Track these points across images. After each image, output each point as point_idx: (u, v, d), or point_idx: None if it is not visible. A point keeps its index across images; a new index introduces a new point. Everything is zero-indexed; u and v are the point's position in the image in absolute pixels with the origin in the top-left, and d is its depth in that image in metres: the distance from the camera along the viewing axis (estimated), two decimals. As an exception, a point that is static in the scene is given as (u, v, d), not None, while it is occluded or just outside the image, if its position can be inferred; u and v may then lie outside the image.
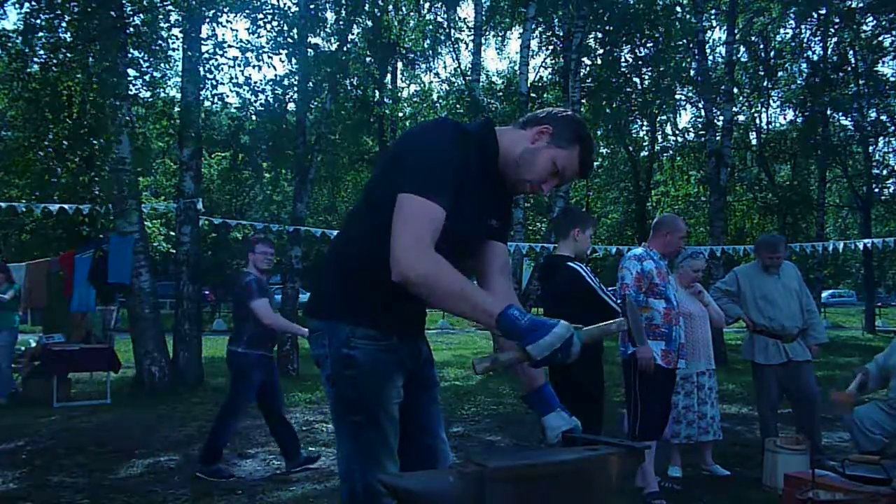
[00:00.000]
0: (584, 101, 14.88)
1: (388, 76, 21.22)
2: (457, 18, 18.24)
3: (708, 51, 16.32)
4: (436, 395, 2.13)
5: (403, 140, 1.95)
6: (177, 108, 12.78)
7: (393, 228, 1.73)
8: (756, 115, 21.82)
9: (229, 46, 9.84)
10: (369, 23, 14.42)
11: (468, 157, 1.86)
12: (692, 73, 15.77)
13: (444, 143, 1.83)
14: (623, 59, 16.58)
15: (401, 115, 20.53)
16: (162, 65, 12.79)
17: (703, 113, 16.31)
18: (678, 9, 16.03)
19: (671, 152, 22.64)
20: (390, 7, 16.97)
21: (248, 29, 10.05)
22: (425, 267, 1.69)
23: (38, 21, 9.16)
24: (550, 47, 18.57)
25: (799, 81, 19.95)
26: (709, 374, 4.97)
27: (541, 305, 4.84)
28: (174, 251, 10.66)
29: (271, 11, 10.05)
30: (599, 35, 15.62)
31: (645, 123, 21.90)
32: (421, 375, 2.06)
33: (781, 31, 19.23)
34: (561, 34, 16.31)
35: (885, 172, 22.11)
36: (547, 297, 4.25)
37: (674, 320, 4.31)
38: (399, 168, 1.82)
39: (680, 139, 22.04)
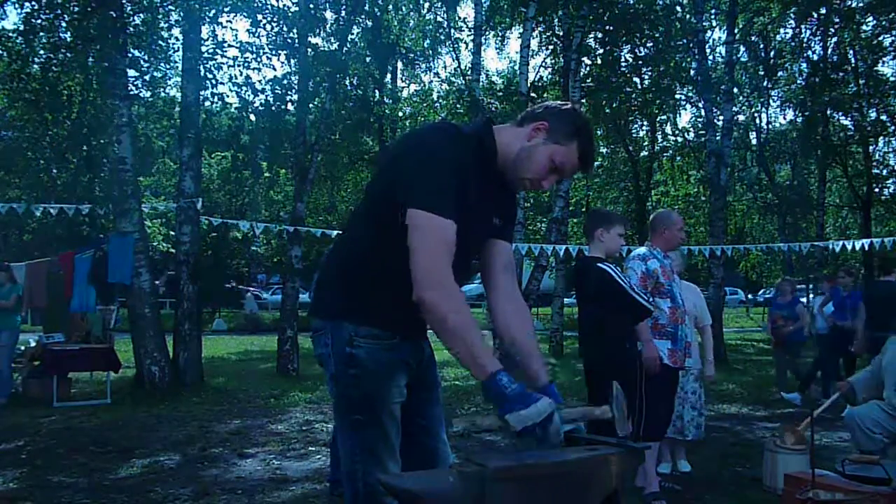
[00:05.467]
0: (584, 101, 14.87)
1: (388, 76, 21.25)
2: (457, 18, 18.23)
3: (708, 51, 16.33)
4: (438, 396, 2.14)
5: (405, 145, 1.94)
6: (177, 108, 12.80)
7: (412, 247, 1.75)
8: (756, 115, 21.84)
9: (229, 46, 9.85)
10: (369, 23, 14.43)
11: (467, 161, 1.86)
12: (692, 73, 15.77)
13: (445, 151, 1.82)
14: (623, 59, 16.57)
15: (401, 115, 20.54)
16: (162, 65, 12.82)
17: (703, 113, 16.30)
18: (678, 9, 16.04)
19: (671, 152, 22.63)
20: (390, 7, 16.99)
21: (248, 30, 10.06)
22: (443, 298, 1.73)
23: (38, 21, 9.16)
24: (550, 47, 18.55)
25: (799, 81, 19.94)
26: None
27: (576, 307, 4.82)
28: (174, 251, 10.65)
29: (271, 11, 10.04)
30: (599, 35, 15.61)
31: (645, 123, 21.88)
32: (423, 376, 2.06)
33: (781, 31, 19.24)
34: (561, 34, 16.30)
35: (885, 172, 22.09)
36: (580, 298, 4.27)
37: (679, 319, 4.30)
38: (402, 176, 1.82)
39: (680, 139, 22.05)
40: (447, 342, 1.75)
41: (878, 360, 4.67)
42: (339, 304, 1.95)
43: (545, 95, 17.31)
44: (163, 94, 16.38)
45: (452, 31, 17.68)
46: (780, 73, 19.69)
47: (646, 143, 23.24)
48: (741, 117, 20.31)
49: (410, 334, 1.98)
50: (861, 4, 16.72)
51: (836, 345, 8.20)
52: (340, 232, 2.49)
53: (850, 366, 8.23)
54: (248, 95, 10.07)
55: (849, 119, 20.01)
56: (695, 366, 4.98)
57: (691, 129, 21.32)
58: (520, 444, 1.67)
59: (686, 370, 4.84)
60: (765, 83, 19.60)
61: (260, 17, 9.92)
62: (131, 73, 9.77)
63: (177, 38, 10.76)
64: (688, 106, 20.33)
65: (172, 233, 13.13)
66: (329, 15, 11.39)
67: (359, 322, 1.91)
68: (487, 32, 18.48)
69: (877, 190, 21.72)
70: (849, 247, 12.90)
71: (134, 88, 10.63)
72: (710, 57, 17.32)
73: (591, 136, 1.98)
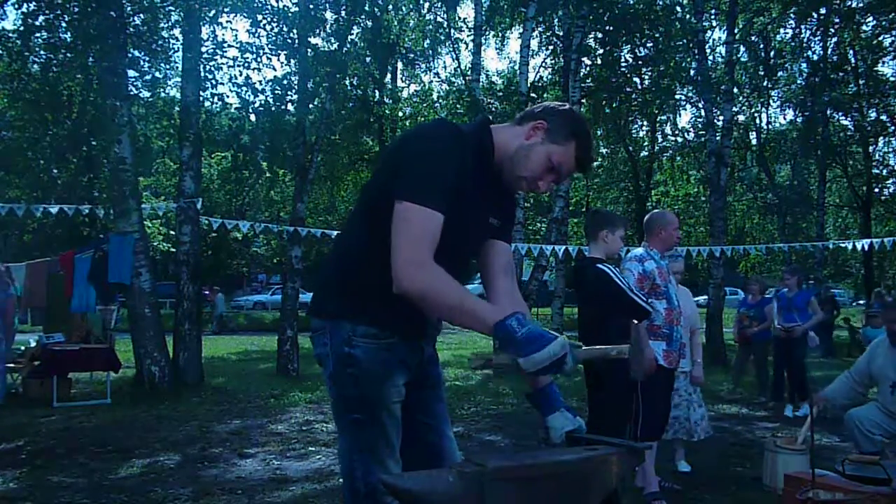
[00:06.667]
0: (584, 101, 14.87)
1: (388, 76, 21.25)
2: (457, 18, 18.24)
3: (708, 51, 16.34)
4: (441, 393, 2.13)
5: (401, 142, 1.94)
6: (177, 109, 12.79)
7: (392, 238, 1.75)
8: (756, 115, 21.84)
9: (229, 46, 9.85)
10: (369, 23, 14.42)
11: (465, 158, 1.86)
12: (692, 73, 15.77)
13: (440, 146, 1.82)
14: (623, 59, 16.56)
15: (401, 115, 20.55)
16: (162, 65, 12.80)
17: (703, 113, 16.31)
18: (678, 9, 16.02)
19: (671, 152, 22.65)
20: (390, 7, 16.99)
21: (248, 30, 10.06)
22: (423, 282, 1.72)
23: (38, 21, 9.15)
24: (550, 47, 18.57)
25: (799, 81, 19.95)
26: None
27: (575, 307, 4.82)
28: (174, 251, 10.65)
29: (271, 12, 10.04)
30: (599, 35, 15.60)
31: (645, 123, 21.91)
32: (425, 374, 2.06)
33: (781, 31, 19.24)
34: (561, 34, 16.31)
35: (885, 172, 22.11)
36: (579, 299, 4.27)
37: (675, 320, 4.31)
38: (396, 171, 1.82)
39: (680, 139, 22.07)
40: (446, 319, 1.76)
41: (863, 368, 4.65)
42: (338, 303, 1.96)
43: (545, 95, 17.33)
44: (163, 95, 16.36)
45: (452, 31, 17.69)
46: (780, 73, 19.69)
47: (646, 143, 23.26)
48: (741, 117, 20.31)
49: (409, 334, 1.97)
50: (861, 4, 16.73)
51: (784, 347, 7.83)
52: (340, 232, 2.48)
53: (799, 368, 7.79)
54: (248, 95, 10.07)
55: (849, 119, 20.04)
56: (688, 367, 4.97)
57: (691, 129, 21.34)
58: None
59: (684, 372, 4.85)
60: (765, 83, 19.60)
61: (260, 17, 9.92)
62: (131, 73, 9.78)
63: (177, 39, 10.76)
64: (688, 106, 20.35)
65: (172, 233, 13.14)
66: (329, 15, 11.38)
67: (357, 321, 1.91)
68: (487, 32, 18.49)
69: (877, 190, 21.75)
70: (849, 247, 12.88)
71: (134, 89, 10.61)
72: (710, 57, 17.33)
73: (590, 137, 1.98)
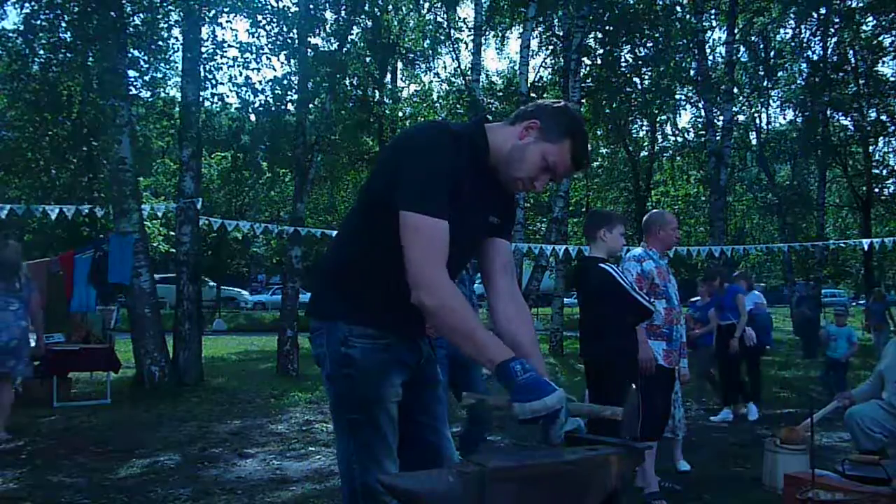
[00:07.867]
0: (584, 101, 14.88)
1: (388, 76, 21.26)
2: (457, 18, 18.26)
3: (708, 51, 16.38)
4: (439, 393, 2.13)
5: (397, 146, 1.92)
6: (177, 109, 12.79)
7: (406, 250, 1.75)
8: (756, 115, 21.87)
9: (229, 46, 9.85)
10: (369, 23, 14.44)
11: (460, 159, 1.85)
12: (692, 73, 15.78)
13: (437, 150, 1.81)
14: (623, 59, 16.59)
15: (401, 115, 20.56)
16: (162, 65, 12.81)
17: (703, 113, 16.34)
18: (678, 9, 16.04)
19: (671, 152, 22.66)
20: (390, 7, 17.00)
21: (248, 30, 10.06)
22: (442, 299, 1.73)
23: (38, 21, 9.15)
24: (550, 47, 18.58)
25: (799, 81, 19.96)
26: None
27: (577, 307, 4.83)
28: (174, 251, 10.65)
29: (271, 12, 10.04)
30: (599, 35, 15.62)
31: (645, 123, 21.90)
32: (424, 374, 2.06)
33: (781, 31, 19.27)
34: (561, 34, 16.32)
35: (884, 172, 22.11)
36: (581, 299, 4.27)
37: (675, 320, 4.31)
38: (395, 176, 1.81)
39: (680, 139, 22.08)
40: (453, 341, 1.76)
41: (880, 369, 4.66)
42: (334, 304, 1.96)
43: (545, 95, 17.34)
44: (163, 94, 16.37)
45: (452, 31, 17.71)
46: (780, 73, 19.71)
47: (646, 143, 23.26)
48: (741, 117, 20.34)
49: (406, 334, 1.97)
50: (861, 4, 16.74)
51: (720, 347, 7.63)
52: (337, 233, 2.48)
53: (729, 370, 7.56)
54: (248, 95, 10.07)
55: (849, 119, 20.05)
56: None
57: (691, 129, 21.36)
58: (522, 428, 1.68)
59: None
60: (765, 83, 19.61)
61: (260, 17, 9.92)
62: (131, 73, 9.78)
63: (177, 39, 10.76)
64: (688, 106, 20.37)
65: (172, 233, 13.13)
66: (329, 15, 11.38)
67: (353, 322, 1.90)
68: (487, 32, 18.51)
69: (877, 190, 21.74)
70: (849, 247, 12.88)
71: (134, 89, 10.61)
72: (710, 57, 17.37)
73: (584, 135, 1.95)
